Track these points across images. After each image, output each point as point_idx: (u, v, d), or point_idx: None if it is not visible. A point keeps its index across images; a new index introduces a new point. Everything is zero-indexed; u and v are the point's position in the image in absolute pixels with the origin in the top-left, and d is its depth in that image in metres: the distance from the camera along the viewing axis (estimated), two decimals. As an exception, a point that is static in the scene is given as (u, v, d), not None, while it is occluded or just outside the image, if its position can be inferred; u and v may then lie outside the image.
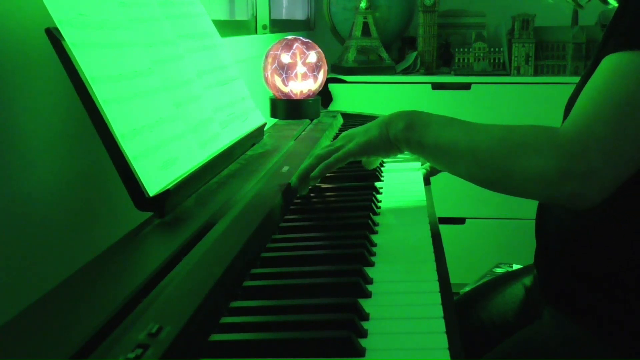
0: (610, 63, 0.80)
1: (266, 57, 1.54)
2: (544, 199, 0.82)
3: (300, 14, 2.97)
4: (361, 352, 0.55)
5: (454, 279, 0.79)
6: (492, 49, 2.65)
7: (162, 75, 0.93)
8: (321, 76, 1.55)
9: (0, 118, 0.77)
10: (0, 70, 0.77)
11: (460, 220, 2.61)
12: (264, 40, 2.03)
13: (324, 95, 2.52)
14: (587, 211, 0.80)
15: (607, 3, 1.02)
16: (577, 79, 1.02)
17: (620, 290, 0.89)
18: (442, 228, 0.91)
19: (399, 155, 1.31)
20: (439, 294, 0.66)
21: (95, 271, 0.67)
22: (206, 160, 0.95)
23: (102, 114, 0.76)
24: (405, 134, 0.92)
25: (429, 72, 2.69)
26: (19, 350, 0.51)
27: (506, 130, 0.84)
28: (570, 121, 0.79)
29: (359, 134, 0.98)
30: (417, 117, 0.93)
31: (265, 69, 1.53)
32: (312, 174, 0.97)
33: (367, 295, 0.66)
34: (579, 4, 1.07)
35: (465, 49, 2.65)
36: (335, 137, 1.47)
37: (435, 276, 0.71)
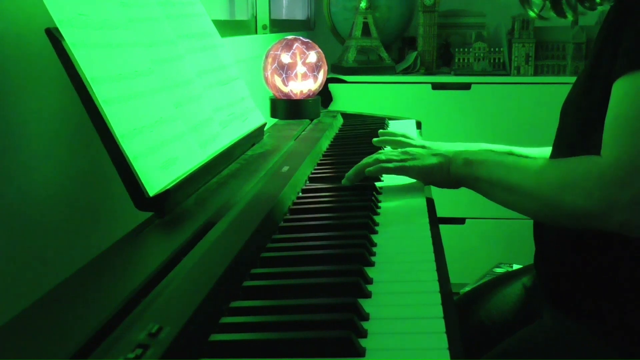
0: (632, 85, 0.80)
1: (266, 57, 1.54)
2: (597, 229, 0.83)
3: (300, 14, 2.97)
4: (361, 352, 0.55)
5: (454, 279, 0.79)
6: (492, 49, 2.65)
7: (162, 75, 0.93)
8: (321, 76, 1.55)
9: (0, 118, 0.77)
10: (0, 70, 0.77)
11: (460, 220, 2.61)
12: (264, 40, 2.03)
13: (324, 95, 2.52)
14: None
15: (565, 16, 1.03)
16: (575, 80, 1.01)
17: (620, 290, 0.89)
18: (442, 228, 0.91)
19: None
20: (439, 294, 0.66)
21: (95, 271, 0.67)
22: (206, 160, 0.95)
23: (102, 114, 0.76)
24: (465, 170, 0.97)
25: (429, 72, 2.69)
26: (19, 350, 0.51)
27: (551, 164, 0.88)
28: (608, 151, 0.80)
29: (422, 156, 1.02)
30: (476, 154, 0.99)
31: (265, 69, 1.53)
32: (367, 170, 1.03)
33: (367, 295, 0.66)
34: (542, 16, 1.09)
35: (465, 49, 2.65)
36: (335, 137, 1.47)
37: (435, 276, 0.71)
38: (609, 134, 0.81)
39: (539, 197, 0.86)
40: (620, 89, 0.81)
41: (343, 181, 1.05)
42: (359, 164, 1.05)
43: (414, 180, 1.11)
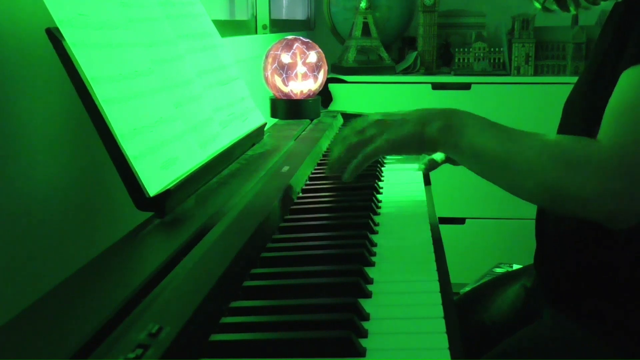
0: (636, 76, 0.79)
1: (266, 57, 1.54)
2: (581, 216, 0.81)
3: (300, 14, 2.97)
4: (361, 352, 0.55)
5: (454, 279, 0.79)
6: (492, 49, 2.65)
7: (162, 75, 0.93)
8: (321, 76, 1.55)
9: (0, 118, 0.77)
10: (0, 70, 0.77)
11: (460, 220, 2.61)
12: (264, 40, 2.03)
13: (324, 95, 2.52)
14: None
15: (568, 10, 1.02)
16: (577, 79, 1.02)
17: (620, 290, 0.89)
18: (442, 228, 0.91)
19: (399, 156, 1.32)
20: (439, 294, 0.66)
21: (95, 271, 0.67)
22: (206, 160, 0.95)
23: (102, 114, 0.76)
24: (442, 135, 0.89)
25: (429, 72, 2.69)
26: (19, 350, 0.51)
27: (545, 142, 0.82)
28: (609, 138, 0.78)
29: (392, 125, 0.93)
30: (454, 117, 0.90)
31: (265, 69, 1.53)
32: (344, 177, 0.95)
33: (368, 295, 0.66)
34: (547, 8, 1.07)
35: (465, 49, 2.65)
36: (335, 137, 1.47)
37: (435, 276, 0.71)
38: (610, 120, 0.80)
39: (525, 175, 0.82)
40: (626, 79, 0.80)
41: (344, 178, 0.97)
42: (332, 158, 0.97)
43: (414, 180, 1.11)
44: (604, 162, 0.77)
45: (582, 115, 0.94)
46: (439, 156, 1.19)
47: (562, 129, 1.00)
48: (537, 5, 1.06)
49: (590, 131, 0.90)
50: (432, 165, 1.18)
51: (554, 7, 1.03)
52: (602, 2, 0.98)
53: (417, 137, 0.91)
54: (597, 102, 0.89)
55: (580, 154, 0.79)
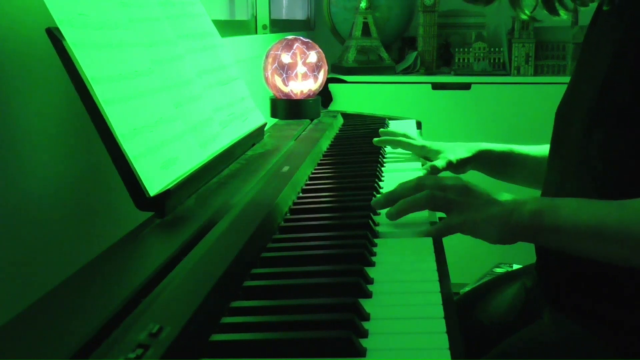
0: None
1: (266, 57, 1.54)
2: None
3: (300, 14, 2.97)
4: (362, 352, 0.55)
5: (454, 279, 0.78)
6: (492, 49, 2.65)
7: (162, 75, 0.93)
8: (321, 76, 1.55)
9: (0, 118, 0.77)
10: (0, 70, 0.77)
11: (460, 220, 2.60)
12: (264, 40, 2.03)
13: (324, 95, 2.52)
14: None
15: (558, 14, 1.01)
16: (567, 87, 1.00)
17: (620, 290, 0.89)
18: (443, 228, 0.90)
19: (400, 156, 1.32)
20: (440, 294, 0.66)
21: (95, 271, 0.67)
22: (206, 160, 0.95)
23: (102, 114, 0.76)
24: (535, 221, 0.80)
25: (429, 72, 2.69)
26: (19, 350, 0.51)
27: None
28: None
29: (479, 200, 0.84)
30: (540, 203, 0.82)
31: (265, 69, 1.53)
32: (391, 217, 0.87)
33: (368, 295, 0.66)
34: (534, 18, 1.05)
35: (465, 49, 2.65)
36: (335, 137, 1.47)
37: (435, 276, 0.71)
38: None
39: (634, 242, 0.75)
40: None
41: (373, 203, 0.90)
42: (398, 192, 0.88)
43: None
44: None
45: (584, 126, 0.91)
46: (440, 163, 1.18)
47: (557, 139, 0.98)
48: (524, 16, 1.03)
49: (594, 145, 0.88)
50: (434, 171, 1.17)
51: (543, 14, 1.02)
52: (590, 4, 0.98)
53: (504, 219, 0.82)
54: (607, 114, 0.86)
55: None
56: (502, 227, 0.82)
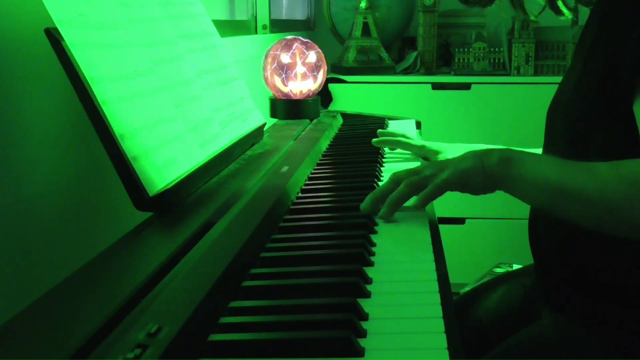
0: None
1: (266, 57, 1.54)
2: None
3: (300, 14, 2.97)
4: (360, 352, 0.55)
5: (453, 279, 0.79)
6: (492, 49, 2.65)
7: (162, 75, 0.93)
8: (321, 76, 1.55)
9: (0, 118, 0.77)
10: (0, 70, 0.77)
11: (460, 220, 2.61)
12: (264, 40, 2.03)
13: (323, 95, 2.52)
14: None
15: (562, 14, 1.02)
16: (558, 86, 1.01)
17: (620, 291, 0.89)
18: (442, 228, 0.91)
19: (399, 156, 1.32)
20: (439, 294, 0.66)
21: (95, 271, 0.67)
22: (206, 160, 0.95)
23: (101, 114, 0.76)
24: (502, 169, 0.85)
25: (429, 72, 2.69)
26: (19, 350, 0.51)
27: (612, 169, 0.78)
28: None
29: (452, 163, 0.89)
30: (511, 151, 0.87)
31: (265, 69, 1.54)
32: (415, 204, 0.90)
33: (367, 295, 0.66)
34: (529, 19, 1.07)
35: (465, 49, 2.65)
36: (335, 137, 1.47)
37: (434, 276, 0.71)
38: None
39: (601, 204, 0.77)
40: None
41: (362, 208, 0.91)
42: (379, 190, 0.91)
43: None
44: None
45: (565, 126, 0.93)
46: None
47: (548, 136, 0.99)
48: (532, 17, 1.05)
49: (577, 142, 0.90)
50: None
51: (542, 15, 1.03)
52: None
53: (479, 169, 0.86)
54: (582, 112, 0.88)
55: None
56: (480, 175, 0.86)
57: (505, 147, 0.89)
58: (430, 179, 0.89)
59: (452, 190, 0.90)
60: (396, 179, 0.91)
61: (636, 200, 0.75)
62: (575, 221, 0.82)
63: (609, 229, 0.81)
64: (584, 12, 1.07)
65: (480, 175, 0.86)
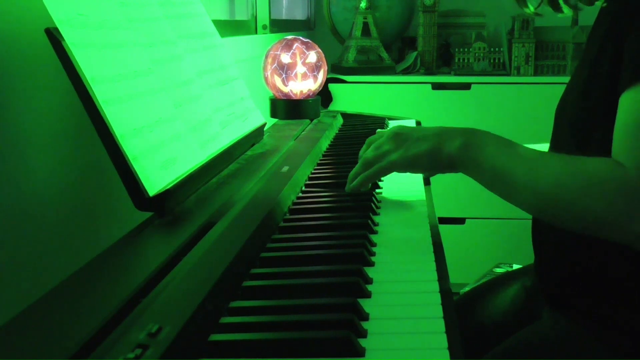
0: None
1: (266, 57, 1.54)
2: (609, 238, 0.79)
3: (300, 14, 2.97)
4: (361, 352, 0.55)
5: (454, 279, 0.79)
6: (492, 49, 2.65)
7: (162, 75, 0.93)
8: (321, 76, 1.55)
9: (0, 118, 0.77)
10: (0, 70, 0.77)
11: (460, 220, 2.61)
12: (264, 40, 2.03)
13: (324, 95, 2.52)
14: None
15: (562, 11, 1.02)
16: (566, 86, 1.01)
17: (619, 291, 0.89)
18: (442, 228, 0.91)
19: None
20: (439, 294, 0.66)
21: (95, 271, 0.67)
22: (206, 160, 0.95)
23: (101, 114, 0.76)
24: (463, 153, 0.87)
25: (429, 72, 2.69)
26: (19, 350, 0.51)
27: (568, 164, 0.80)
28: (630, 160, 0.76)
29: (409, 141, 0.92)
30: (474, 136, 0.89)
31: (265, 69, 1.53)
32: (351, 185, 0.97)
33: (367, 295, 0.66)
34: (538, 13, 1.07)
35: (465, 49, 2.65)
36: (335, 137, 1.47)
37: (435, 276, 0.71)
38: (623, 143, 0.78)
39: (550, 197, 0.80)
40: (627, 101, 0.79)
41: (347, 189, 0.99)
42: (350, 174, 0.99)
43: (414, 180, 1.11)
44: (629, 183, 0.75)
45: (570, 123, 0.94)
46: None
47: (555, 134, 1.00)
48: (530, 11, 1.05)
49: (579, 140, 0.90)
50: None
51: (546, 9, 1.03)
52: (597, 3, 0.98)
53: (434, 154, 0.90)
54: (588, 109, 0.88)
55: (600, 175, 0.77)
56: (434, 158, 0.90)
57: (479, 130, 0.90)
58: (380, 159, 0.94)
59: (398, 171, 0.96)
60: (364, 159, 0.97)
61: (584, 195, 0.77)
62: (534, 214, 0.86)
63: (568, 226, 0.83)
64: (584, 12, 1.07)
65: (434, 159, 0.90)
